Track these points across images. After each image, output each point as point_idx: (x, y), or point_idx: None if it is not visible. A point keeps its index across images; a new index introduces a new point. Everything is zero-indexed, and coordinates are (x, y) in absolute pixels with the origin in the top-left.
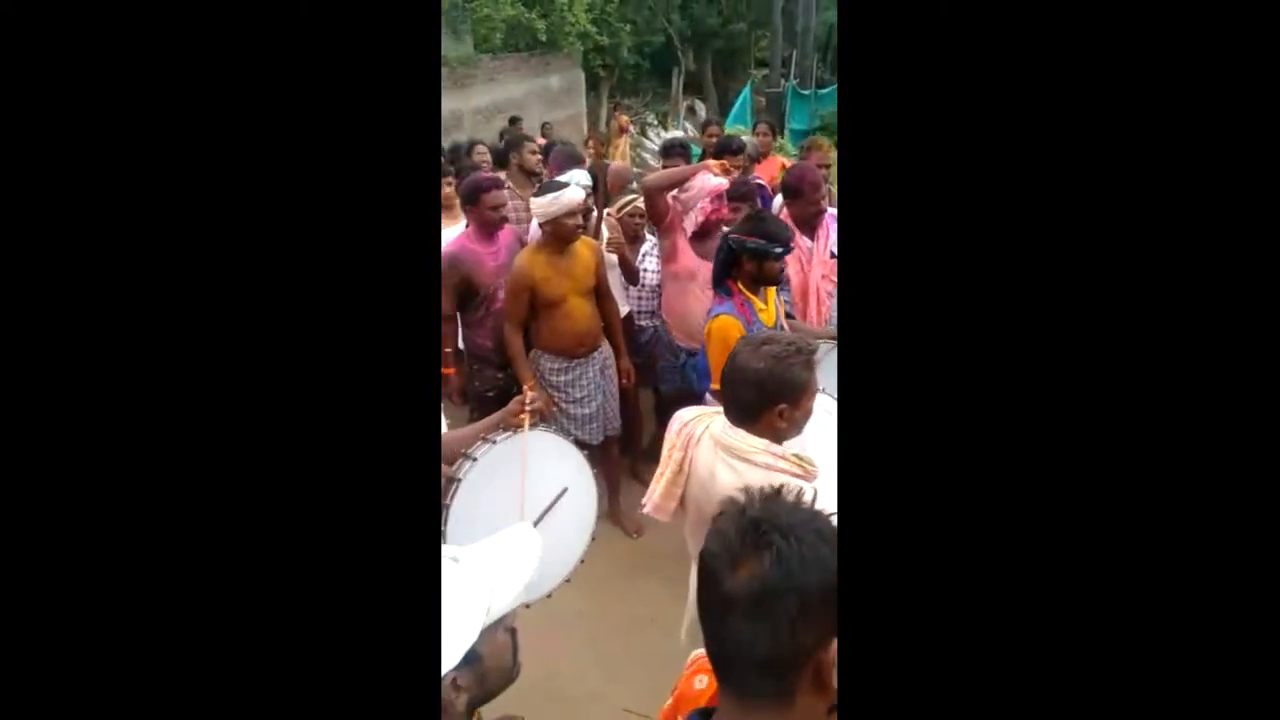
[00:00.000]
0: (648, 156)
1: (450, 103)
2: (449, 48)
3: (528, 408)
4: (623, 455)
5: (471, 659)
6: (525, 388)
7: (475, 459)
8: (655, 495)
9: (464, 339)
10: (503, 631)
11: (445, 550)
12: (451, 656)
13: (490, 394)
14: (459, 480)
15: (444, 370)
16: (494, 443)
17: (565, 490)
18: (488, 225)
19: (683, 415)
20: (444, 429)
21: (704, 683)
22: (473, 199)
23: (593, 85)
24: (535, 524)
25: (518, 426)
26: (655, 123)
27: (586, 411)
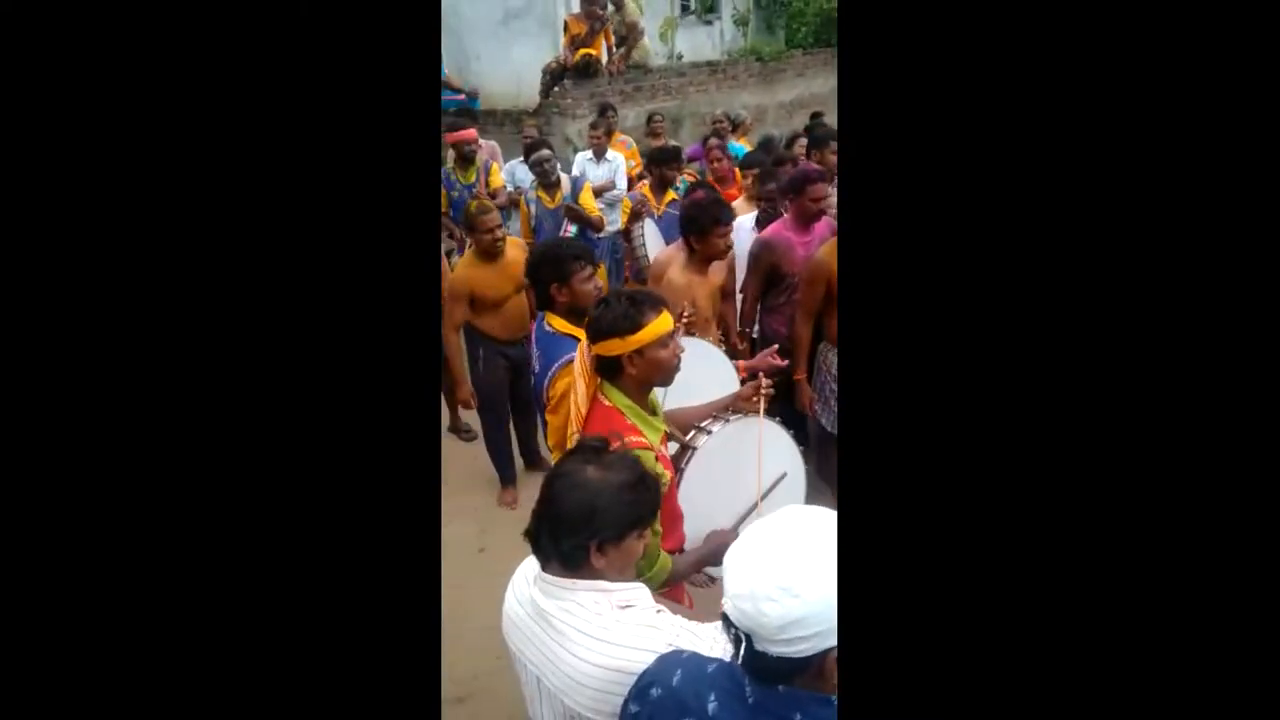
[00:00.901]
0: None
1: (757, 97)
2: (761, 44)
3: (763, 393)
4: None
5: None
6: (761, 375)
7: (711, 432)
8: None
9: (761, 323)
10: None
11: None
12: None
13: (773, 378)
14: (694, 449)
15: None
16: (727, 421)
17: (785, 475)
18: (806, 215)
19: None
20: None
21: None
22: (797, 188)
23: None
24: (761, 499)
25: (749, 411)
26: None
27: None
